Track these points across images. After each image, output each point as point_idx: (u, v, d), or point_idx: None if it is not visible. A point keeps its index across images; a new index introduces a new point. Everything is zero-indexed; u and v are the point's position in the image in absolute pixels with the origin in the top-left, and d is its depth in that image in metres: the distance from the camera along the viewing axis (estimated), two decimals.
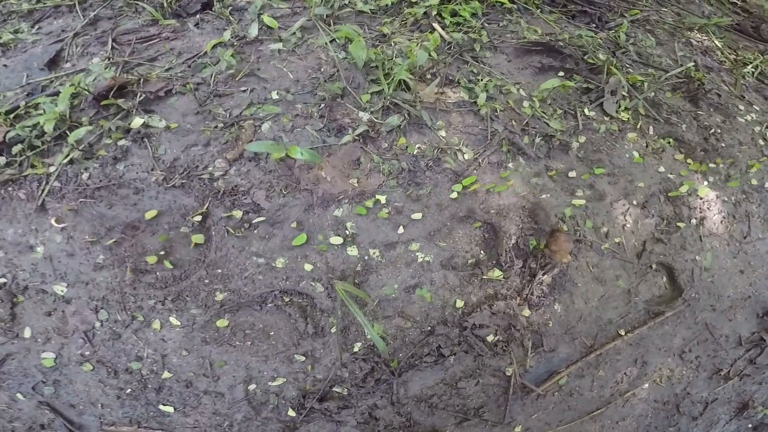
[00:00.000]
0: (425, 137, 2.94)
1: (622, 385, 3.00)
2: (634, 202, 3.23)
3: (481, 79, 3.24)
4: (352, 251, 2.72)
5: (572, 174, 3.11)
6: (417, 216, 2.79)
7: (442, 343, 2.85)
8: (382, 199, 2.77)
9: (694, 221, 3.35)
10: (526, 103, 3.20)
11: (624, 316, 2.98)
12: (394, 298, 2.76)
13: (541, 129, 3.13)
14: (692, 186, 3.35)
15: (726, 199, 3.52)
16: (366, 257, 2.73)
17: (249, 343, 2.73)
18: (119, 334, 2.63)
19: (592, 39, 3.67)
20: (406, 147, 2.90)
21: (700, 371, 3.40)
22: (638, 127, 3.39)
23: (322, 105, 2.93)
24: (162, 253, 2.64)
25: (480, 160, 2.94)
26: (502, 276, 2.89)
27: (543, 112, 3.22)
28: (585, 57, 3.55)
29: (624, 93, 3.44)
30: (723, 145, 3.68)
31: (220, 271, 2.66)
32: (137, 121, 2.84)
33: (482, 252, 2.90)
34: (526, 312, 2.92)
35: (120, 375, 2.65)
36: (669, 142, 3.48)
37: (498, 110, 3.11)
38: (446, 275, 2.82)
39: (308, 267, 2.67)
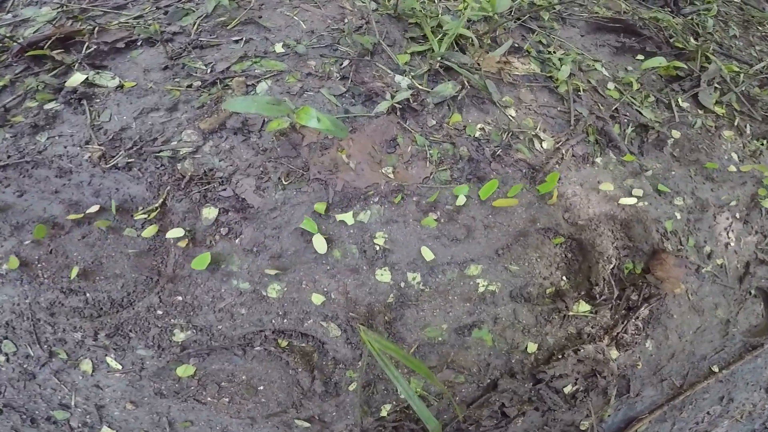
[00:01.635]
0: (488, 116, 1.63)
1: (702, 426, 2.08)
2: (737, 215, 1.99)
3: (554, 51, 1.94)
4: (383, 276, 1.39)
5: (672, 175, 1.84)
6: (478, 226, 1.49)
7: (506, 401, 1.55)
8: (430, 198, 1.45)
9: None
10: (611, 85, 1.91)
11: (719, 350, 1.97)
12: (441, 342, 1.45)
13: (633, 118, 1.85)
14: None
15: None
16: (402, 284, 1.41)
17: (227, 399, 1.46)
18: (33, 373, 1.39)
19: (672, 22, 2.41)
20: (464, 127, 1.58)
21: None
22: (735, 124, 2.13)
23: (346, 64, 1.61)
24: (93, 266, 1.32)
25: (563, 151, 1.65)
26: (590, 311, 1.63)
27: (632, 98, 1.93)
28: (671, 40, 2.27)
29: (716, 85, 2.20)
30: None
31: (180, 298, 1.37)
32: (76, 78, 1.48)
33: (564, 278, 1.61)
34: (614, 354, 1.67)
35: (40, 424, 1.40)
36: (764, 144, 2.28)
37: (581, 90, 1.81)
38: (516, 310, 1.52)
39: (317, 299, 1.34)
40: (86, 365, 1.36)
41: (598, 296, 1.58)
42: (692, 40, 2.27)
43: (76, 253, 1.33)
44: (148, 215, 1.34)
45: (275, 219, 1.34)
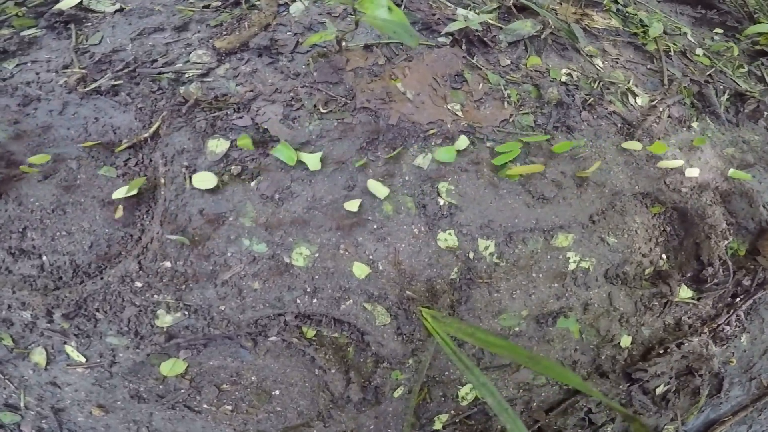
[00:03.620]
0: (573, 63, 0.98)
1: None
2: None
3: (635, 12, 1.27)
4: (448, 240, 0.76)
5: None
6: (569, 185, 0.84)
7: (594, 405, 0.92)
8: (512, 145, 0.79)
9: None
10: (699, 51, 1.24)
11: None
12: (519, 333, 0.82)
13: (728, 85, 1.17)
14: None
15: None
16: (471, 254, 0.76)
17: (229, 407, 0.80)
18: None
19: None
20: (547, 70, 0.94)
21: None
22: None
23: None
24: (53, 217, 0.70)
25: (660, 110, 0.99)
26: (693, 297, 0.96)
27: (723, 66, 1.25)
28: (755, 16, 1.67)
29: None
30: None
31: (168, 264, 0.73)
32: (68, 2, 0.99)
33: (664, 256, 0.96)
34: (712, 349, 0.98)
35: None
36: None
37: (672, 50, 1.17)
38: (612, 294, 0.87)
39: (360, 270, 0.70)
40: (38, 356, 0.74)
41: (709, 279, 0.93)
42: None
43: (34, 200, 0.73)
44: (135, 151, 0.74)
45: (306, 155, 0.74)
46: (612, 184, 0.88)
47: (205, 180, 0.68)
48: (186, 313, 0.70)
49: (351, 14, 0.90)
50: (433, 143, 0.79)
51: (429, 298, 0.74)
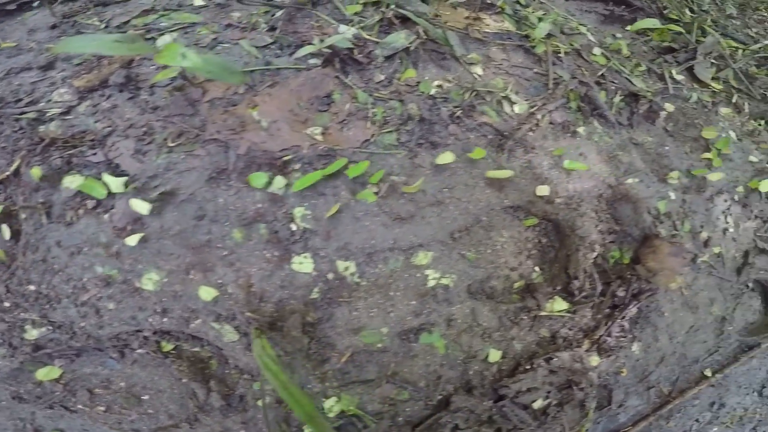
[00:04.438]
0: (450, 73, 1.00)
1: None
2: (735, 198, 1.27)
3: (533, 11, 1.27)
4: (303, 264, 0.80)
5: (666, 151, 1.18)
6: (430, 201, 0.88)
7: (461, 421, 0.91)
8: (364, 166, 0.83)
9: None
10: (597, 51, 1.24)
11: (713, 352, 1.26)
12: (382, 350, 0.86)
13: (621, 85, 1.18)
14: None
15: None
16: (331, 275, 0.81)
17: (102, 408, 0.91)
18: None
19: None
20: (417, 83, 0.96)
21: None
22: (733, 101, 1.42)
23: (278, 14, 1.00)
24: None
25: (538, 117, 1.00)
26: (567, 310, 0.99)
27: (621, 65, 1.25)
28: (665, 12, 1.56)
29: (712, 60, 1.47)
30: None
31: (33, 288, 0.84)
32: None
33: (536, 269, 0.98)
34: (595, 360, 1.00)
35: None
36: (761, 125, 1.60)
37: (562, 52, 1.16)
38: (476, 309, 0.90)
39: (207, 294, 0.75)
40: None
41: (577, 292, 0.96)
42: (688, 12, 1.61)
43: None
44: (4, 187, 0.80)
45: (154, 187, 0.78)
46: (477, 200, 0.91)
47: (60, 214, 0.74)
48: (51, 328, 0.77)
49: (222, 43, 0.93)
50: (291, 169, 0.83)
51: (279, 318, 0.79)
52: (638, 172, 1.08)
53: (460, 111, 0.94)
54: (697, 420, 1.30)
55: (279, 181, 0.81)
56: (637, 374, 1.12)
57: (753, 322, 1.30)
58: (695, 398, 1.24)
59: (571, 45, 1.20)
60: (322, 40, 0.91)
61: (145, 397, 0.82)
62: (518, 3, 1.26)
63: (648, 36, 1.46)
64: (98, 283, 0.75)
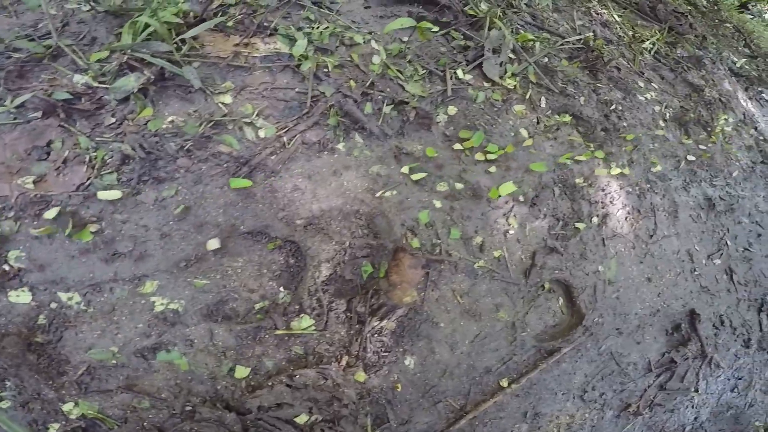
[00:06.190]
0: (193, 106, 1.03)
1: None
2: (521, 198, 1.33)
3: (316, 27, 1.29)
4: (20, 296, 0.86)
5: (437, 157, 1.23)
6: (152, 236, 0.94)
7: (211, 430, 0.97)
8: (75, 208, 0.89)
9: (595, 219, 1.46)
10: (377, 59, 1.27)
11: (507, 360, 1.25)
12: (121, 364, 0.93)
13: (392, 93, 1.22)
14: (598, 173, 1.51)
15: (630, 189, 1.63)
16: (54, 305, 0.88)
17: None
18: None
19: None
20: (147, 122, 0.98)
21: (605, 410, 1.45)
22: (528, 97, 1.48)
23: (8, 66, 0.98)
24: None
25: (286, 139, 1.06)
26: (314, 327, 1.05)
27: (398, 71, 1.29)
28: (465, 8, 1.59)
29: (511, 55, 1.52)
30: (625, 124, 1.76)
31: None
32: None
33: (281, 290, 1.04)
34: (361, 376, 1.06)
35: None
36: (565, 119, 1.61)
37: (330, 67, 1.19)
38: (214, 331, 0.97)
39: None
40: None
41: (308, 311, 1.01)
42: (482, 5, 1.60)
43: None
44: None
45: None
46: (206, 228, 0.96)
47: None
48: None
49: None
50: (4, 217, 0.86)
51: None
52: (397, 184, 1.14)
53: (191, 143, 0.97)
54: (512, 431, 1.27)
55: None
56: (418, 389, 1.13)
57: (555, 324, 1.32)
58: (500, 409, 1.23)
59: (351, 58, 1.23)
60: (47, 92, 0.91)
61: None
62: (307, 19, 1.26)
63: (453, 37, 1.49)
64: None
